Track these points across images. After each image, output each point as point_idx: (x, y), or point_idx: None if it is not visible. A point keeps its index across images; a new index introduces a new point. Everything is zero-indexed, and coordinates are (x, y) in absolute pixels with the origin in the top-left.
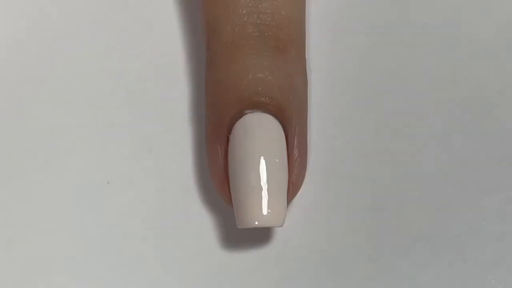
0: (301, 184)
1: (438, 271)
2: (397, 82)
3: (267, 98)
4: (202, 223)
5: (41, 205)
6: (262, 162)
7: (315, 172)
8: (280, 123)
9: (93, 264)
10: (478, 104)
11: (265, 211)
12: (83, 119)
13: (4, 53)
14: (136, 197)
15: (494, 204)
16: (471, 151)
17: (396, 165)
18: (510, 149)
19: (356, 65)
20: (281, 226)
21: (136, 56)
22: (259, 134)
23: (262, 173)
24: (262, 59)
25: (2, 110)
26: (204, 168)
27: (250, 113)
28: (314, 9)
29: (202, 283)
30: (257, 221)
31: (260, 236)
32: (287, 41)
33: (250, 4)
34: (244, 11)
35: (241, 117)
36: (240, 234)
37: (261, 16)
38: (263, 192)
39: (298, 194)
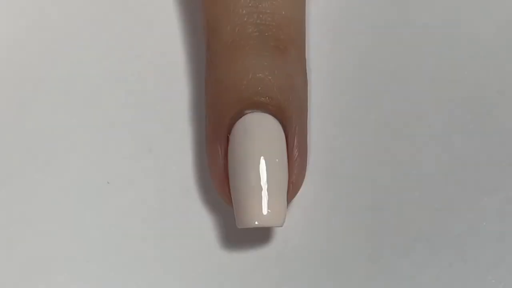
0: (301, 184)
1: (438, 271)
2: (397, 82)
3: (267, 98)
4: (202, 223)
5: (41, 205)
6: (262, 162)
7: (315, 172)
8: (280, 123)
9: (93, 264)
10: (478, 104)
11: (265, 211)
12: (83, 119)
13: (4, 53)
14: (136, 197)
15: (494, 204)
16: (471, 151)
17: (396, 165)
18: (510, 149)
19: (356, 65)
20: (281, 226)
21: (136, 56)
22: (259, 134)
23: (262, 173)
24: (262, 59)
25: (2, 110)
26: (204, 168)
27: (250, 113)
28: (314, 9)
29: (202, 283)
30: (257, 221)
31: (260, 236)
32: (287, 41)
33: (250, 4)
34: (244, 11)
35: (241, 117)
36: (240, 234)
37: (261, 16)
38: (263, 192)
39: (298, 194)
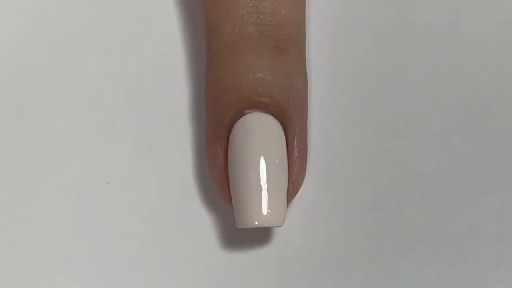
0: (301, 184)
1: (438, 271)
2: (397, 82)
3: (267, 98)
4: (202, 223)
5: (41, 205)
6: (262, 162)
7: (315, 172)
8: (280, 123)
9: (93, 264)
10: (478, 104)
11: (265, 211)
12: (83, 119)
13: (4, 53)
14: (136, 197)
15: (494, 204)
16: (471, 151)
17: (396, 165)
18: (510, 149)
19: (356, 65)
20: (281, 226)
21: (136, 56)
22: (259, 134)
23: (262, 173)
24: (262, 59)
25: (2, 110)
26: (204, 168)
27: (250, 113)
28: (314, 9)
29: (202, 283)
30: (257, 221)
31: (260, 236)
32: (287, 41)
33: (250, 4)
34: (244, 11)
35: (241, 117)
36: (240, 234)
37: (261, 16)
38: (263, 192)
39: (298, 194)
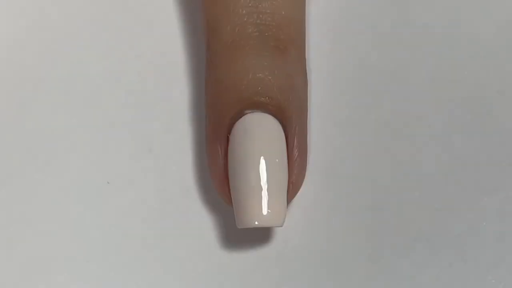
0: (301, 184)
1: (438, 271)
2: (397, 82)
3: (267, 98)
4: (202, 223)
5: (41, 205)
6: (262, 162)
7: (315, 172)
8: (280, 123)
9: (93, 264)
10: (478, 104)
11: (265, 211)
12: (83, 119)
13: (4, 53)
14: (136, 197)
15: (494, 204)
16: (471, 151)
17: (396, 165)
18: (510, 149)
19: (356, 65)
20: (281, 226)
21: (136, 56)
22: (259, 134)
23: (262, 173)
24: (262, 59)
25: (2, 110)
26: (204, 168)
27: (250, 113)
28: (314, 9)
29: (202, 283)
30: (257, 221)
31: (260, 236)
32: (287, 41)
33: (250, 4)
34: (244, 11)
35: (241, 117)
36: (240, 234)
37: (261, 16)
38: (263, 192)
39: (298, 194)
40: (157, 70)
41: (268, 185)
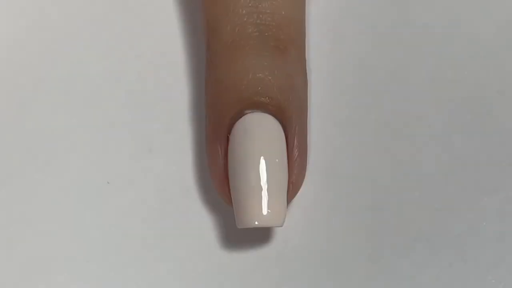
0: (301, 184)
1: (438, 271)
2: (397, 82)
3: (267, 98)
4: (202, 223)
5: (41, 205)
6: (262, 162)
7: (315, 172)
8: (280, 123)
9: (93, 264)
10: (478, 104)
11: (265, 211)
12: (83, 119)
13: (4, 53)
14: (136, 197)
15: (494, 204)
16: (471, 151)
17: (396, 165)
18: (510, 149)
19: (356, 65)
20: (281, 226)
21: (136, 56)
22: (259, 134)
23: (262, 173)
24: (262, 59)
25: (2, 110)
26: (204, 168)
27: (250, 113)
28: (314, 9)
29: (202, 283)
30: (257, 221)
31: (260, 236)
32: (287, 41)
33: (250, 4)
34: (244, 11)
35: (241, 117)
36: (240, 234)
37: (261, 16)
38: (263, 192)
39: (298, 194)
40: (157, 70)
41: (268, 185)
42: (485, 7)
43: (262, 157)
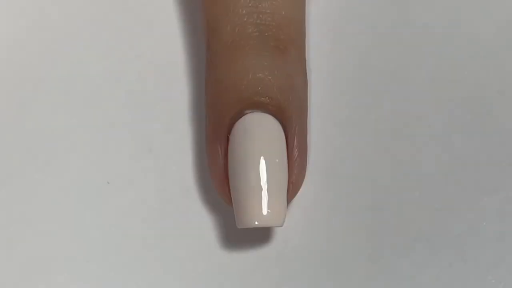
0: (301, 184)
1: (438, 271)
2: (397, 82)
3: (267, 98)
4: (202, 223)
5: (41, 205)
6: (262, 162)
7: (315, 172)
8: (280, 123)
9: (93, 264)
10: (478, 104)
11: (265, 211)
12: (83, 119)
13: (4, 53)
14: (136, 197)
15: (494, 204)
16: (471, 151)
17: (396, 165)
18: (510, 149)
19: (356, 65)
20: (281, 226)
21: (136, 56)
22: (259, 134)
23: (262, 173)
24: (262, 59)
25: (2, 110)
26: (204, 168)
27: (250, 113)
28: (314, 9)
29: (202, 283)
30: (257, 221)
31: (260, 236)
32: (287, 41)
33: (250, 4)
34: (244, 11)
35: (241, 117)
36: (240, 234)
37: (261, 16)
38: (263, 192)
39: (298, 194)
40: (157, 70)
41: (268, 185)
42: (485, 7)
43: (262, 157)
